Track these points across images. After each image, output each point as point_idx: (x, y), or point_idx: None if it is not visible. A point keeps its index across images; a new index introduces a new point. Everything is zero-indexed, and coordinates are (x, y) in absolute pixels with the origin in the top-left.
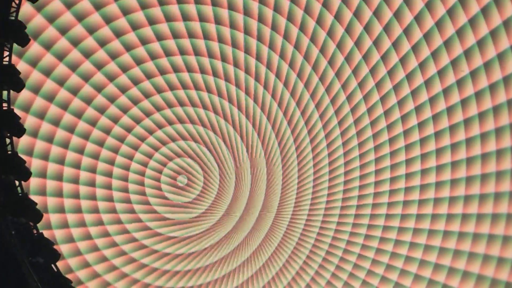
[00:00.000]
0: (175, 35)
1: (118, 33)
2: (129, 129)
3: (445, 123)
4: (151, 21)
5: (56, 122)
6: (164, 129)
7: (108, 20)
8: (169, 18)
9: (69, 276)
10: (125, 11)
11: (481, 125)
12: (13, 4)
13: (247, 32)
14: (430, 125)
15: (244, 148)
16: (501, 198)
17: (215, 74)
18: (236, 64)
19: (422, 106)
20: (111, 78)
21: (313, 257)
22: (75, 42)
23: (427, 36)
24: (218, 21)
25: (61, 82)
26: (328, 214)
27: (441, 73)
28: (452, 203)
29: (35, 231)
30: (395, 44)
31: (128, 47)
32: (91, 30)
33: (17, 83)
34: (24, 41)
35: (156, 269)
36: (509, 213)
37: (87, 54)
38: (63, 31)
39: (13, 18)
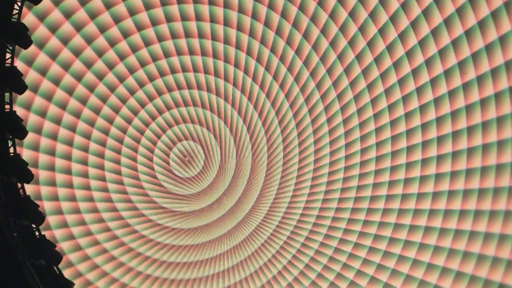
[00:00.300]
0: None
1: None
2: (143, 104)
3: (447, 108)
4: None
5: (63, 106)
6: (171, 111)
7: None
8: (148, 7)
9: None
10: (108, 5)
11: (483, 113)
12: (15, 6)
13: (266, 21)
14: (432, 110)
15: (246, 132)
16: (500, 194)
17: (226, 60)
18: (249, 53)
19: (423, 87)
20: (122, 57)
21: (300, 257)
22: (65, 40)
23: (426, 13)
24: (239, 8)
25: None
26: (324, 207)
27: (441, 53)
28: (451, 197)
29: (37, 233)
30: (393, 19)
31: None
32: (78, 28)
33: (20, 85)
34: (26, 42)
35: (141, 235)
36: (508, 210)
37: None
38: (53, 29)
39: (15, 20)
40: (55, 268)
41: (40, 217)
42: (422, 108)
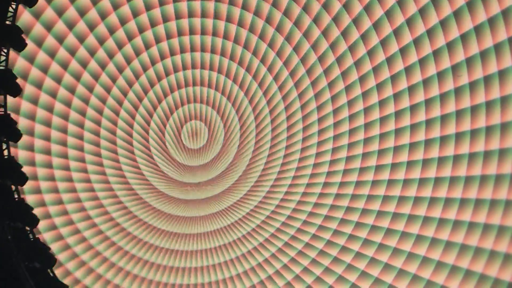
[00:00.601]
0: None
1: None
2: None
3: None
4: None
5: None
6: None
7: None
8: None
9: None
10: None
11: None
12: (10, 8)
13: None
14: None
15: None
16: (502, 182)
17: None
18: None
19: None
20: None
21: (286, 250)
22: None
23: None
24: None
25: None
26: (324, 193)
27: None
28: (452, 184)
29: (31, 236)
30: None
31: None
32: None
33: (14, 88)
34: (20, 45)
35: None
36: (508, 200)
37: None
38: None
39: (9, 22)
40: (49, 271)
41: (34, 220)
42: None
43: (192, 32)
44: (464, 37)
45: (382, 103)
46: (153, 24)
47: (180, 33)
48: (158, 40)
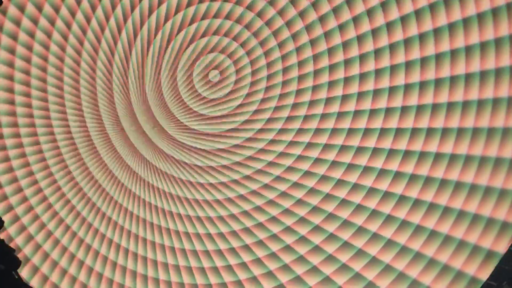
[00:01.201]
0: None
1: None
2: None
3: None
4: None
5: None
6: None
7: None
8: None
9: None
10: None
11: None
12: None
13: None
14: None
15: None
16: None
17: None
18: None
19: None
20: None
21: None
22: None
23: None
24: None
25: None
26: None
27: None
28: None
29: None
30: None
31: None
32: None
33: None
34: None
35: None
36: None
37: None
38: None
39: None
40: (13, 273)
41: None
42: None
43: None
44: None
45: (345, 45)
46: None
47: None
48: None
